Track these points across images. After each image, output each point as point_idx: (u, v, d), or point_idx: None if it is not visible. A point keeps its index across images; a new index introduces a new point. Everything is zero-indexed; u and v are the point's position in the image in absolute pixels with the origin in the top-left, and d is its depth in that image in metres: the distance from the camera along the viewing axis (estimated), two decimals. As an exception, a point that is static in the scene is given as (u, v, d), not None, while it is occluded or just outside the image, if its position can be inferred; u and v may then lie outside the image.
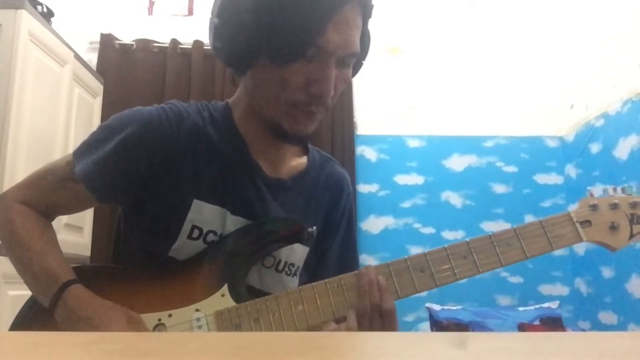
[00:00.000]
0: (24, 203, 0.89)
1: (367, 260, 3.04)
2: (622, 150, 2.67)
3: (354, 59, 0.85)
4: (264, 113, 0.87)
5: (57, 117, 2.48)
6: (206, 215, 0.87)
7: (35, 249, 0.85)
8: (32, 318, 0.89)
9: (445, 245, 0.82)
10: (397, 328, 0.83)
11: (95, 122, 2.94)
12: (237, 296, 0.84)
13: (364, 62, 0.93)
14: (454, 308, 2.79)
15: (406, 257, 0.83)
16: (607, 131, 2.82)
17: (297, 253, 0.94)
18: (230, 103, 0.96)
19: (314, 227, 0.90)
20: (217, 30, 0.85)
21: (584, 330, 2.98)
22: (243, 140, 0.92)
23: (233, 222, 0.89)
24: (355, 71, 0.91)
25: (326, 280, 0.83)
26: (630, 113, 2.64)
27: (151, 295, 0.84)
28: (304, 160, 1.00)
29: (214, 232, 0.88)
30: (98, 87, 2.99)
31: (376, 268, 0.84)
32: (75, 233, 2.58)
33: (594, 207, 0.82)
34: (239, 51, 0.83)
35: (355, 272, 0.84)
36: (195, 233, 0.87)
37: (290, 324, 0.81)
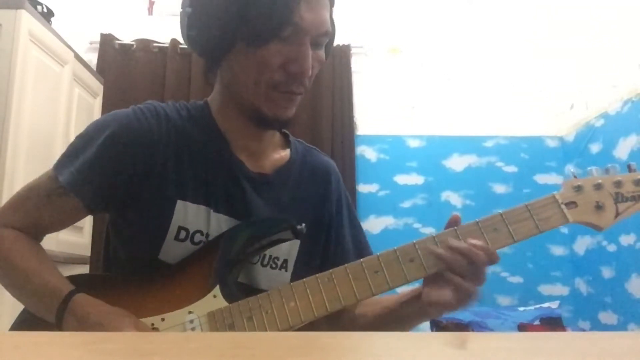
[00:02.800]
0: (9, 227, 0.88)
1: (367, 260, 3.04)
2: (622, 150, 2.66)
3: (327, 39, 0.86)
4: (244, 101, 0.87)
5: (57, 117, 2.48)
6: (191, 215, 0.87)
7: (31, 269, 0.84)
8: (32, 321, 0.88)
9: (434, 234, 0.83)
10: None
11: (95, 122, 2.94)
12: (229, 296, 0.84)
13: (330, 52, 0.94)
14: (454, 308, 2.78)
15: (395, 247, 0.82)
16: (607, 131, 2.82)
17: (281, 247, 0.93)
18: (209, 101, 0.96)
19: (303, 225, 0.89)
20: (190, 20, 0.85)
21: (584, 330, 2.98)
22: (224, 136, 0.92)
23: (217, 220, 0.88)
24: (326, 55, 0.91)
25: (317, 275, 0.83)
26: (630, 113, 2.64)
27: (143, 301, 0.83)
28: (287, 152, 1.00)
29: (201, 232, 0.87)
30: (98, 87, 2.99)
31: (363, 262, 0.83)
32: (75, 233, 2.58)
33: (578, 188, 0.83)
34: (214, 38, 0.83)
35: (346, 265, 0.83)
36: (182, 234, 0.86)
37: (283, 321, 0.80)
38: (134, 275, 0.88)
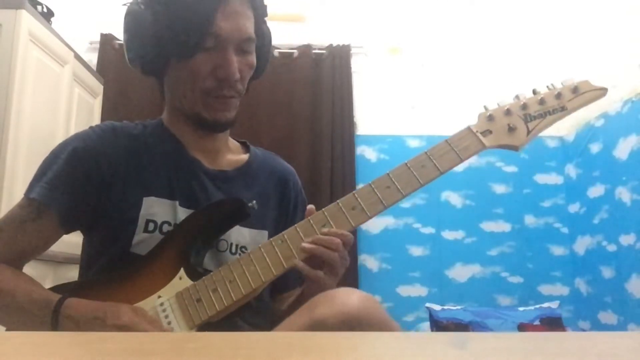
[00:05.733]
0: None
1: (367, 260, 3.04)
2: (622, 150, 2.67)
3: (252, 44, 0.95)
4: (185, 109, 0.97)
5: (57, 117, 2.48)
6: (157, 209, 0.93)
7: (17, 289, 0.87)
8: None
9: (370, 182, 0.91)
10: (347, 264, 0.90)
11: (95, 122, 2.93)
12: (194, 277, 0.88)
13: (269, 59, 1.04)
14: (454, 308, 2.79)
15: (337, 200, 0.90)
16: (607, 131, 2.82)
17: (246, 236, 0.99)
18: (162, 117, 1.05)
19: (254, 202, 0.96)
20: (128, 45, 0.96)
21: (584, 330, 2.98)
22: (177, 140, 1.01)
23: (184, 213, 0.94)
24: (261, 67, 1.01)
25: (271, 239, 0.88)
26: (630, 113, 2.64)
27: (118, 295, 0.87)
28: (245, 156, 1.08)
29: (168, 223, 0.93)
30: (98, 87, 2.99)
31: (310, 219, 0.88)
32: (73, 233, 2.58)
33: (490, 118, 0.92)
34: (149, 58, 0.95)
35: (296, 225, 0.89)
36: (151, 226, 0.92)
37: (246, 285, 0.85)
38: (107, 274, 0.93)
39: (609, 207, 2.78)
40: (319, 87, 3.23)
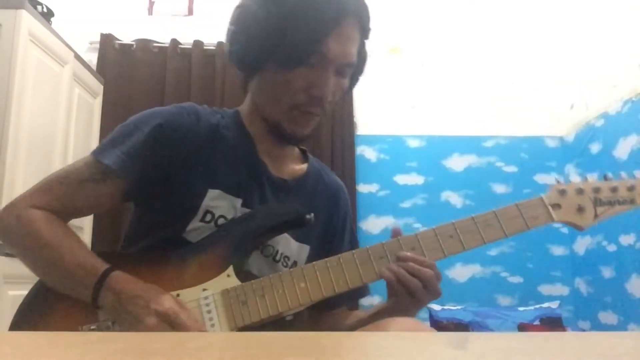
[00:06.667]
0: (38, 208, 0.90)
1: (367, 260, 3.04)
2: (622, 150, 2.67)
3: (350, 70, 0.96)
4: (267, 115, 0.97)
5: (57, 117, 2.48)
6: (219, 202, 0.93)
7: (65, 247, 0.87)
8: (32, 317, 0.89)
9: (433, 227, 0.90)
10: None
11: (96, 122, 2.94)
12: (241, 277, 0.88)
13: (360, 78, 1.04)
14: (454, 308, 2.79)
15: (398, 237, 0.90)
16: (607, 131, 2.82)
17: (292, 247, 1.00)
18: (240, 109, 1.04)
19: (312, 214, 0.94)
20: (232, 37, 0.95)
21: (584, 330, 2.98)
22: (251, 139, 1.00)
23: (242, 212, 0.95)
24: (352, 86, 1.02)
25: (326, 259, 0.88)
26: (630, 113, 2.64)
27: (162, 276, 0.87)
28: (304, 166, 1.08)
29: (225, 217, 0.94)
30: (98, 87, 2.99)
31: (369, 249, 0.89)
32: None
33: (562, 192, 0.95)
34: (250, 56, 0.93)
35: (353, 251, 0.89)
36: (208, 217, 0.93)
37: (294, 299, 0.85)
38: (155, 252, 0.92)
39: (609, 207, 2.78)
40: (319, 87, 3.23)
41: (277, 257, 0.98)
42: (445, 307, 2.78)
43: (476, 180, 3.20)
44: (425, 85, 3.32)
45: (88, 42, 3.21)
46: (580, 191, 0.94)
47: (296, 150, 1.09)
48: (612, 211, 0.94)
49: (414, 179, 3.20)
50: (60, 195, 0.91)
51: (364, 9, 0.94)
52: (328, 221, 1.07)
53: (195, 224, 0.92)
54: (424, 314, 2.88)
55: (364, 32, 0.96)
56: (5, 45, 2.13)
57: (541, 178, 3.23)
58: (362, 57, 0.99)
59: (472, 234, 0.89)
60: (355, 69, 0.97)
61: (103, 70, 3.11)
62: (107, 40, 3.18)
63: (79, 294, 0.85)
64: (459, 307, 2.79)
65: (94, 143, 2.89)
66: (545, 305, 2.83)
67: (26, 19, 2.20)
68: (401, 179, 3.20)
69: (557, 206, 0.94)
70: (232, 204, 0.94)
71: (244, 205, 0.95)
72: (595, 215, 0.93)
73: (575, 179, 0.96)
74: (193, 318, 0.81)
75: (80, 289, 0.84)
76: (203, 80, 3.16)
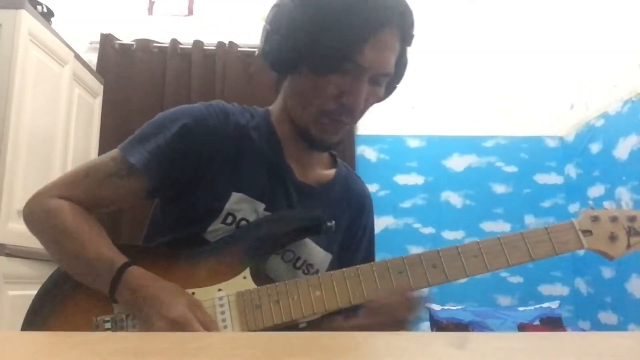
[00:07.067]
0: (64, 199, 0.91)
1: (367, 260, 3.04)
2: (622, 150, 2.66)
3: (387, 79, 0.93)
4: (296, 118, 0.95)
5: (57, 117, 2.47)
6: (242, 205, 0.93)
7: (87, 238, 0.88)
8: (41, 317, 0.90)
9: (457, 245, 0.88)
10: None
11: (95, 122, 2.94)
12: (257, 280, 0.88)
13: (397, 86, 1.02)
14: (454, 308, 2.79)
15: (420, 252, 0.88)
16: (607, 131, 2.82)
17: (316, 255, 0.98)
18: (270, 109, 1.03)
19: (333, 222, 0.93)
20: (267, 36, 0.92)
21: (584, 330, 2.98)
22: (279, 142, 0.99)
23: (263, 215, 0.94)
24: (388, 93, 1.00)
25: (343, 269, 0.87)
26: (630, 113, 2.64)
27: (178, 274, 0.87)
28: (332, 172, 1.06)
29: (247, 220, 0.93)
30: (98, 87, 2.99)
31: (388, 262, 0.88)
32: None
33: (595, 219, 0.90)
34: (283, 57, 0.91)
35: (372, 263, 0.88)
36: (229, 219, 0.92)
37: (308, 308, 0.84)
38: (172, 250, 0.92)
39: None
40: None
41: (298, 264, 0.97)
42: (445, 307, 2.78)
43: (476, 180, 3.20)
44: (425, 85, 3.32)
45: (88, 42, 3.20)
46: (614, 219, 0.90)
47: (325, 154, 1.07)
48: None
49: (414, 179, 3.20)
50: (86, 188, 0.92)
51: (407, 17, 0.91)
52: (348, 229, 1.06)
53: (216, 225, 0.91)
54: (424, 314, 2.88)
55: (406, 39, 0.94)
56: (5, 45, 2.12)
57: (541, 178, 3.23)
58: (401, 65, 0.97)
59: (497, 255, 0.86)
60: (393, 77, 0.95)
61: (103, 70, 3.11)
62: (107, 40, 3.18)
63: (99, 285, 0.86)
64: (459, 307, 2.79)
65: (94, 143, 2.89)
66: (545, 305, 2.83)
67: (26, 19, 2.20)
68: (401, 179, 3.20)
69: (588, 232, 0.91)
70: (255, 208, 0.93)
71: (266, 209, 0.94)
72: (629, 246, 0.89)
73: (610, 205, 0.92)
74: (207, 322, 0.80)
75: (99, 281, 0.85)
76: (203, 80, 3.15)
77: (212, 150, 0.92)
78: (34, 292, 0.93)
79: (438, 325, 2.68)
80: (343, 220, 1.04)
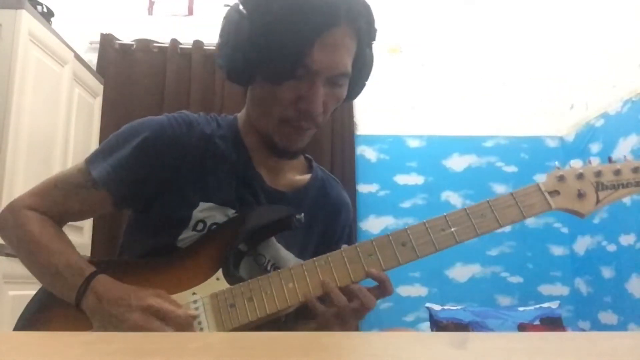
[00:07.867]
0: (34, 210, 0.93)
1: (367, 260, 3.04)
2: (622, 150, 2.66)
3: (345, 79, 0.90)
4: (260, 128, 0.95)
5: (57, 117, 2.48)
6: (211, 213, 0.93)
7: (56, 249, 0.89)
8: (39, 316, 0.91)
9: (425, 221, 0.88)
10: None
11: (95, 122, 2.94)
12: (231, 280, 0.88)
13: (367, 83, 0.99)
14: (454, 308, 2.79)
15: (388, 234, 0.87)
16: (607, 131, 2.82)
17: (287, 261, 0.98)
18: (238, 117, 1.02)
19: (302, 215, 0.94)
20: (220, 49, 0.92)
21: (584, 330, 2.98)
22: (247, 149, 0.98)
23: None
24: (356, 92, 0.98)
25: (314, 259, 0.86)
26: (630, 113, 2.64)
27: (152, 283, 0.87)
28: (307, 176, 1.05)
29: (217, 224, 0.93)
30: (98, 87, 2.99)
31: (358, 247, 0.87)
32: (75, 233, 2.58)
33: (561, 178, 0.89)
34: (237, 69, 0.90)
35: (342, 249, 0.87)
36: (200, 226, 0.92)
37: (282, 301, 0.84)
38: (146, 260, 0.93)
39: (608, 207, 2.78)
40: (319, 87, 3.22)
41: (269, 267, 0.96)
42: (445, 307, 2.78)
43: (476, 180, 3.20)
44: (425, 85, 3.32)
45: (88, 42, 3.20)
46: (580, 176, 0.88)
47: (300, 159, 1.06)
48: (616, 195, 0.87)
49: (414, 179, 3.20)
50: (54, 199, 0.93)
51: (360, 12, 0.88)
52: (323, 234, 1.05)
53: (187, 233, 0.92)
54: (424, 313, 2.88)
55: (363, 35, 0.90)
56: (5, 45, 2.13)
57: (541, 178, 3.19)
58: (363, 62, 0.94)
59: (465, 226, 0.86)
60: (356, 75, 0.93)
61: (103, 70, 3.11)
62: (107, 40, 3.18)
63: (66, 293, 0.86)
64: (459, 307, 2.79)
65: (94, 143, 2.89)
66: (545, 305, 2.83)
67: (26, 19, 2.20)
68: (401, 179, 3.20)
69: (555, 193, 0.88)
70: (225, 213, 0.93)
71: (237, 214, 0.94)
72: (598, 201, 0.87)
73: (577, 163, 0.90)
74: (175, 302, 0.82)
75: (66, 291, 0.86)
76: (203, 80, 3.16)
77: (175, 161, 0.92)
78: (34, 292, 0.93)
79: (438, 325, 2.68)
80: (317, 226, 1.03)
